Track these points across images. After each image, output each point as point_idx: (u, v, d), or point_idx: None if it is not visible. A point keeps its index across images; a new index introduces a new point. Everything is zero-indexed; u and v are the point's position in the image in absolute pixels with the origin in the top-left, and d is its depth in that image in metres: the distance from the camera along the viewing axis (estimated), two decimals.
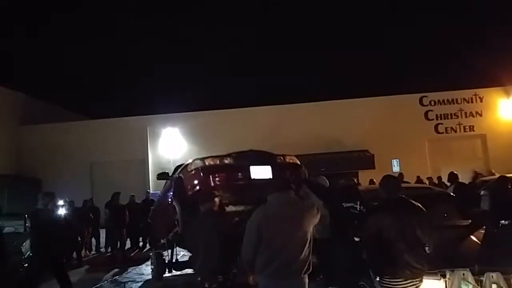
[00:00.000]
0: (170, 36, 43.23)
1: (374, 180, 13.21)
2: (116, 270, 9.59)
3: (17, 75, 25.87)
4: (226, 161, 6.51)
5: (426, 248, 3.66)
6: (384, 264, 3.77)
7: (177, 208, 6.27)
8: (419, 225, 3.73)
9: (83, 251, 11.91)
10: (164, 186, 8.62)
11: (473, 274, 3.51)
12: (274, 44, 42.47)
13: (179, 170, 7.33)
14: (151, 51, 41.99)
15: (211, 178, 6.10)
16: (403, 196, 4.04)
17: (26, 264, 8.04)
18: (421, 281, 3.75)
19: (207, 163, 6.41)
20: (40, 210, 6.15)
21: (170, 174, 8.16)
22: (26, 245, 8.37)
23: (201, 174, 6.22)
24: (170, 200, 6.94)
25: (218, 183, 6.07)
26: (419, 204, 3.95)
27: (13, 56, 29.08)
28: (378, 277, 3.86)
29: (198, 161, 6.56)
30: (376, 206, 4.19)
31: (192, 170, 6.43)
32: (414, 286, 3.71)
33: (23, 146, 21.32)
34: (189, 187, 6.26)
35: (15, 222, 9.08)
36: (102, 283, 8.18)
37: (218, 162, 6.48)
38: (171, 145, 20.74)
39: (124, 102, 31.27)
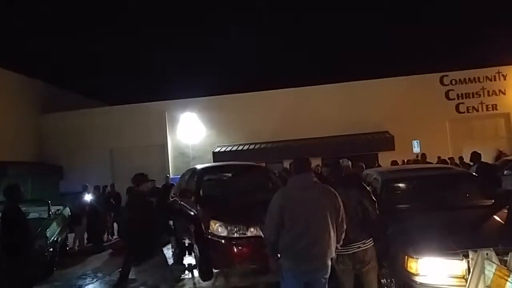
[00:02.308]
0: (187, 21, 43.10)
1: (398, 161, 13.01)
2: None
3: (36, 63, 26.24)
4: None
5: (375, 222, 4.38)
6: None
7: None
8: (356, 199, 4.38)
9: (105, 236, 12.18)
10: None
11: (497, 254, 3.44)
12: (292, 26, 41.98)
13: None
14: (169, 36, 42.02)
15: None
16: (348, 175, 4.87)
17: (51, 249, 8.29)
18: (360, 246, 4.33)
19: None
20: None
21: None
22: (51, 230, 8.60)
23: None
24: None
25: None
26: (363, 183, 4.70)
27: (32, 45, 29.47)
28: None
29: None
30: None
31: None
32: (356, 249, 4.31)
33: (44, 133, 21.75)
34: None
35: (39, 208, 9.31)
36: None
37: None
38: (190, 130, 20.86)
39: (142, 88, 31.51)
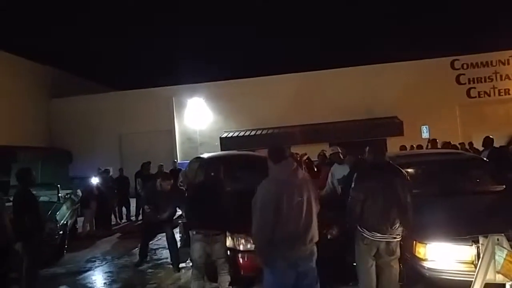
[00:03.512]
0: (194, 6, 42.80)
1: (406, 146, 12.90)
2: None
3: (45, 50, 26.30)
4: None
5: (410, 213, 4.21)
6: (368, 219, 4.22)
7: None
8: (401, 187, 4.21)
9: (113, 219, 12.30)
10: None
11: (508, 239, 3.40)
12: (299, 10, 41.48)
13: None
14: (177, 21, 41.78)
15: None
16: (389, 161, 4.65)
17: (61, 232, 8.38)
18: (396, 237, 4.23)
19: None
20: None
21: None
22: (60, 213, 8.69)
23: None
24: None
25: None
26: (402, 169, 4.48)
27: (42, 32, 29.51)
28: (363, 231, 4.28)
29: None
30: (366, 169, 4.58)
31: None
32: (391, 239, 4.19)
33: (54, 118, 21.90)
34: None
35: (49, 191, 9.40)
36: (134, 250, 8.40)
37: None
38: (197, 115, 20.85)
39: (150, 73, 31.47)
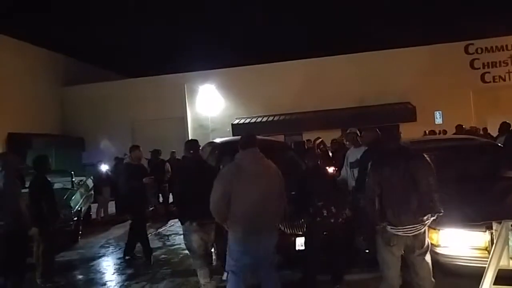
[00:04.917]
0: None
1: (436, 132, 12.70)
2: (160, 224, 9.98)
3: (58, 37, 26.39)
4: None
5: (435, 195, 3.82)
6: (387, 212, 3.89)
7: None
8: (421, 172, 3.86)
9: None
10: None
11: None
12: None
13: None
14: (188, 7, 41.54)
15: None
16: (404, 145, 4.34)
17: (75, 218, 8.51)
18: (423, 225, 3.89)
19: None
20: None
21: None
22: (74, 200, 8.82)
23: None
24: None
25: None
26: (419, 152, 4.19)
27: (53, 19, 29.58)
28: (385, 229, 3.95)
29: None
30: (378, 157, 4.28)
31: None
32: (417, 231, 3.86)
33: (67, 106, 22.11)
34: None
35: (63, 178, 9.54)
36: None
37: None
38: (209, 102, 20.86)
39: (162, 60, 31.40)
